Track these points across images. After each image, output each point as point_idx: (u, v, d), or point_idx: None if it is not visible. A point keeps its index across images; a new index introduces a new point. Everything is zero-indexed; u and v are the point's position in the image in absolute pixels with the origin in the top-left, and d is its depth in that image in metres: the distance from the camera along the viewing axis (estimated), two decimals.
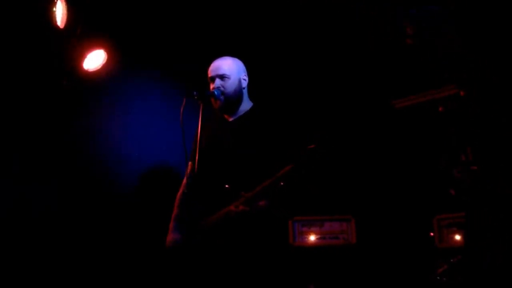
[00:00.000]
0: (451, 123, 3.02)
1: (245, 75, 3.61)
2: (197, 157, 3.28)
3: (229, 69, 3.54)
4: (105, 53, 4.57)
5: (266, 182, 3.23)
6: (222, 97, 3.49)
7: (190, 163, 3.59)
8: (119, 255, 4.58)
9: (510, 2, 2.75)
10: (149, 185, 4.84)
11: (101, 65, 4.58)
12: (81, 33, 4.44)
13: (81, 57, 4.49)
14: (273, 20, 4.78)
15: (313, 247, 4.49)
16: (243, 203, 3.25)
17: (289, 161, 3.17)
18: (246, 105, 3.62)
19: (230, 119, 3.60)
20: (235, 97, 3.55)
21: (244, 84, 3.60)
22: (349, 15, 4.56)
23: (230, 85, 3.52)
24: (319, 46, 4.84)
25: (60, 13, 4.23)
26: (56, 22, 4.23)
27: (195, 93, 3.36)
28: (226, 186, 3.34)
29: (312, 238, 4.51)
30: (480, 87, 2.79)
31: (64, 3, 4.25)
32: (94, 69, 4.57)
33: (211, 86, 3.56)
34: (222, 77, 3.52)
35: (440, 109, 3.00)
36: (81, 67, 4.51)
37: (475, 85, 2.83)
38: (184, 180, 3.69)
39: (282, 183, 3.21)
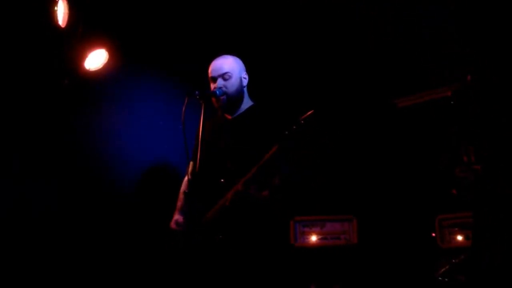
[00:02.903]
0: (452, 123, 3.01)
1: (245, 74, 3.62)
2: (198, 156, 3.28)
3: (230, 68, 3.54)
4: (107, 52, 4.56)
5: (254, 168, 3.22)
6: (224, 97, 3.49)
7: (191, 162, 3.59)
8: (119, 254, 4.58)
9: (510, 2, 2.74)
10: (150, 184, 4.84)
11: (103, 64, 4.57)
12: (83, 33, 4.43)
13: (82, 56, 4.48)
14: (274, 20, 4.77)
15: (315, 248, 4.48)
16: (240, 185, 3.26)
17: (274, 143, 3.18)
18: (246, 103, 3.62)
19: (231, 117, 3.61)
20: (237, 96, 3.55)
21: (245, 82, 3.61)
22: (349, 15, 4.55)
23: (232, 84, 3.52)
24: (320, 46, 4.83)
25: (61, 12, 4.23)
26: (57, 21, 4.23)
27: (196, 92, 3.36)
28: (222, 180, 3.34)
29: (314, 238, 4.51)
30: (481, 87, 2.79)
31: (65, 3, 4.25)
32: (95, 69, 4.57)
33: (212, 86, 3.56)
34: (224, 76, 3.52)
35: (450, 93, 2.97)
36: (82, 66, 4.51)
37: (476, 85, 2.82)
38: (185, 178, 3.70)
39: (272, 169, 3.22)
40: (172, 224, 3.55)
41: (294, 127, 3.12)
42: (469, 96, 2.85)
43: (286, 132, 3.11)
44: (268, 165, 3.21)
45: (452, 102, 3.05)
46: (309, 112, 3.13)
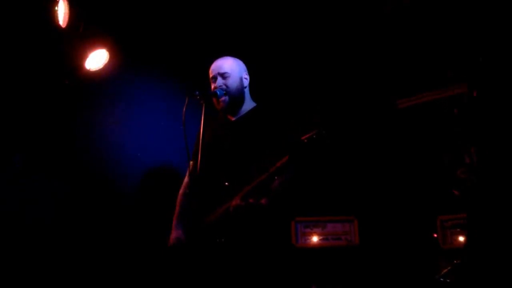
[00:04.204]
0: (456, 124, 3.00)
1: (246, 75, 3.61)
2: (199, 157, 3.27)
3: (229, 67, 3.55)
4: (107, 52, 4.56)
5: (262, 175, 3.22)
6: (226, 97, 3.49)
7: (191, 162, 3.58)
8: (120, 254, 4.57)
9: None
10: (150, 184, 4.84)
11: (103, 64, 4.57)
12: (83, 33, 4.43)
13: (83, 56, 4.48)
14: (276, 21, 4.77)
15: (316, 248, 4.47)
16: (240, 198, 3.24)
17: (285, 153, 3.18)
18: (248, 105, 3.61)
19: (233, 119, 3.60)
20: (238, 96, 3.55)
21: (246, 83, 3.60)
22: (351, 14, 4.55)
23: (232, 83, 3.52)
24: (322, 47, 4.83)
25: (62, 12, 4.24)
26: (58, 21, 4.23)
27: (197, 92, 3.35)
28: (226, 183, 3.33)
29: (315, 239, 4.50)
30: (485, 88, 2.78)
31: (66, 3, 4.25)
32: (96, 69, 4.56)
33: (212, 86, 3.55)
34: (223, 75, 3.51)
35: (456, 111, 2.98)
36: (83, 66, 4.51)
37: (481, 86, 2.82)
38: (186, 179, 3.69)
39: (276, 177, 3.20)
40: (173, 241, 3.50)
41: (304, 140, 3.12)
42: (474, 109, 2.85)
43: (296, 145, 3.11)
44: (274, 175, 3.21)
45: (455, 112, 3.04)
46: (320, 126, 3.14)
